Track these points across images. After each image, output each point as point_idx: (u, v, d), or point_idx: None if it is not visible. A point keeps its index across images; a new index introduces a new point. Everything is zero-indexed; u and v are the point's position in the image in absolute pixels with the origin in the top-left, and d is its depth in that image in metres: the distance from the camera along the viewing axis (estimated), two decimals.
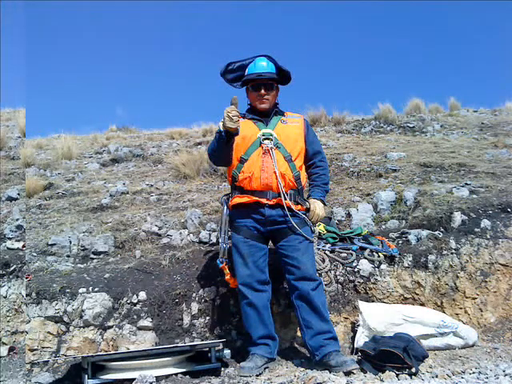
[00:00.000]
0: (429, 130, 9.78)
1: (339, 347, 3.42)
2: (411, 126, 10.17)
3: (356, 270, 4.21)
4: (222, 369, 3.50)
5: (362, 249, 4.41)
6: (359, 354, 3.49)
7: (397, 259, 4.28)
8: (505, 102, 11.78)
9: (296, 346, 3.99)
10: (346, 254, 4.33)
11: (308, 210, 3.67)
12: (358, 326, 3.80)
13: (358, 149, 7.99)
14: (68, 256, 4.79)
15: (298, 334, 4.01)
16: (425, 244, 4.38)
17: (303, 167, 3.76)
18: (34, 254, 4.73)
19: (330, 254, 4.29)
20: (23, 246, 4.17)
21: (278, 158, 3.55)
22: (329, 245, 4.47)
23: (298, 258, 3.50)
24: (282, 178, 3.52)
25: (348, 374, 3.11)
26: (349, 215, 5.31)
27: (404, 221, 5.06)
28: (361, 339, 3.68)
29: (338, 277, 4.17)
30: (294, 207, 3.55)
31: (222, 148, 3.53)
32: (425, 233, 4.52)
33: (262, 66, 3.73)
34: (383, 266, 4.24)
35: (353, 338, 3.85)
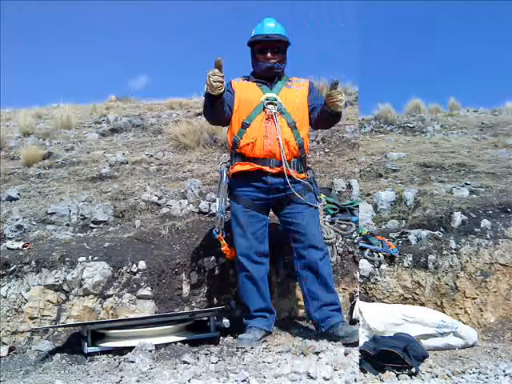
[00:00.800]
0: (429, 130, 9.75)
1: (344, 318, 3.44)
2: (411, 126, 10.13)
3: (355, 241, 4.25)
4: (221, 338, 3.53)
5: (362, 249, 4.38)
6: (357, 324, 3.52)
7: (397, 259, 4.26)
8: (505, 102, 11.79)
9: (294, 315, 4.03)
10: (345, 226, 4.35)
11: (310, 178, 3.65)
12: (357, 296, 3.84)
13: (359, 149, 7.97)
14: (67, 225, 4.79)
15: (297, 303, 4.05)
16: (425, 244, 4.36)
17: (307, 135, 3.67)
18: (34, 223, 4.73)
19: (330, 225, 4.29)
20: (23, 246, 4.14)
21: (281, 124, 3.46)
22: (329, 216, 4.48)
23: (304, 224, 3.45)
24: (285, 145, 3.44)
25: (357, 343, 3.14)
26: (349, 186, 5.32)
27: (404, 221, 5.02)
28: (361, 340, 3.69)
29: (338, 248, 4.21)
30: (297, 175, 3.49)
31: (211, 108, 3.45)
32: (425, 233, 4.49)
33: (270, 27, 3.60)
34: (383, 266, 4.23)
35: (351, 309, 3.89)
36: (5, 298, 3.76)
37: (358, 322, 3.54)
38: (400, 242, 4.53)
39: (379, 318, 3.70)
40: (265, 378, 2.58)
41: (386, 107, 10.95)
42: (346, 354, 2.94)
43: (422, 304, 4.14)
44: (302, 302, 3.80)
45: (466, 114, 11.26)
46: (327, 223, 4.28)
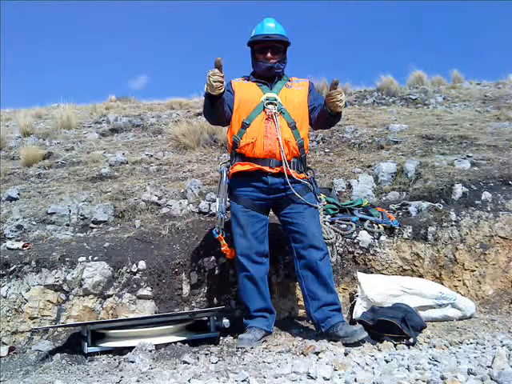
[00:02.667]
0: (431, 102, 9.72)
1: (343, 318, 3.41)
2: (413, 97, 10.10)
3: (355, 241, 4.21)
4: (221, 338, 3.54)
5: (362, 220, 4.40)
6: (357, 324, 3.49)
7: (396, 231, 4.27)
8: (508, 74, 11.71)
9: (294, 315, 4.03)
10: (345, 226, 4.32)
11: (312, 177, 3.65)
12: (357, 296, 3.81)
13: (360, 120, 7.95)
14: (67, 225, 4.79)
15: (297, 303, 4.05)
16: (425, 216, 4.38)
17: (307, 135, 3.67)
18: (34, 223, 4.73)
19: (330, 225, 4.26)
20: (23, 246, 4.15)
21: (281, 125, 3.46)
22: (329, 216, 4.44)
23: (304, 224, 3.44)
24: (285, 145, 3.44)
25: (357, 343, 3.13)
26: (349, 186, 5.31)
27: (405, 192, 5.05)
28: (359, 310, 3.70)
29: (338, 248, 4.18)
30: (297, 175, 3.48)
31: (211, 108, 3.45)
32: (425, 204, 4.51)
33: (270, 27, 3.59)
34: (383, 238, 4.24)
35: (351, 309, 3.86)
36: (5, 298, 3.75)
37: (358, 321, 3.53)
38: (400, 213, 4.57)
39: (378, 289, 3.75)
40: (265, 378, 2.57)
41: (389, 78, 10.89)
42: (345, 354, 2.94)
43: (421, 276, 4.17)
44: (302, 302, 3.79)
45: (469, 87, 11.21)
46: (327, 223, 4.24)
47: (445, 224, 4.29)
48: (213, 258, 4.06)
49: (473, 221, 4.31)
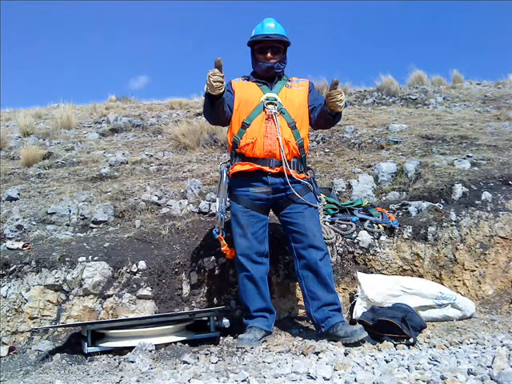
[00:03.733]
0: (431, 102, 9.70)
1: (343, 318, 3.41)
2: (413, 97, 10.07)
3: (355, 241, 4.21)
4: (221, 338, 3.54)
5: (362, 220, 4.40)
6: (357, 324, 3.49)
7: (396, 231, 4.28)
8: (508, 74, 11.70)
9: (294, 315, 4.03)
10: (345, 226, 4.32)
11: (312, 176, 3.66)
12: (357, 296, 3.81)
13: (360, 120, 7.94)
14: (67, 225, 4.78)
15: (297, 303, 4.05)
16: (425, 216, 4.38)
17: (307, 135, 3.67)
18: (34, 223, 4.72)
19: (330, 225, 4.26)
20: (23, 246, 4.14)
21: (281, 125, 3.46)
22: (329, 216, 4.45)
23: (304, 224, 3.44)
24: (285, 145, 3.44)
25: (358, 343, 3.13)
26: (349, 186, 5.31)
27: (405, 192, 5.06)
28: (359, 310, 3.70)
29: (338, 248, 4.18)
30: (297, 175, 3.49)
31: (211, 108, 3.45)
32: (425, 204, 4.51)
33: (270, 27, 3.60)
34: (383, 238, 4.25)
35: (351, 309, 3.86)
36: (5, 298, 3.75)
37: (358, 321, 3.53)
38: (400, 213, 4.57)
39: (378, 289, 3.76)
40: (265, 378, 2.57)
41: (389, 78, 10.87)
42: (345, 354, 2.94)
43: (421, 276, 4.18)
44: (302, 302, 3.80)
45: (469, 87, 11.19)
46: (327, 223, 4.25)
47: (445, 224, 4.30)
48: (213, 257, 4.06)
49: (473, 221, 4.32)
